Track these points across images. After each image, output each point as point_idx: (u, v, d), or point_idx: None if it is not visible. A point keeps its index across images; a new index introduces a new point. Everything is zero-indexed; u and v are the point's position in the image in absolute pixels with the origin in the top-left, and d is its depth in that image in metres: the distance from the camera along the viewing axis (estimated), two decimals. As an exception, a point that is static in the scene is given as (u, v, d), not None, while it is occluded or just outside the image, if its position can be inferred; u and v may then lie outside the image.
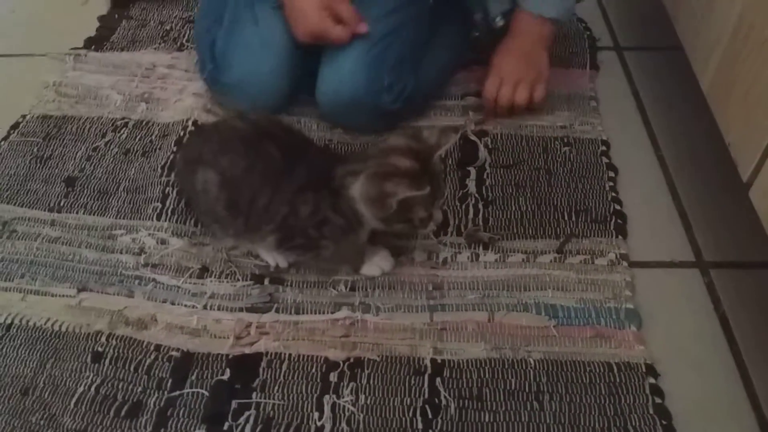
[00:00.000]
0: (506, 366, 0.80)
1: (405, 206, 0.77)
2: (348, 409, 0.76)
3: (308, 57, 1.03)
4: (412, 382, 0.79)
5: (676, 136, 1.10)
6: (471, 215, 0.97)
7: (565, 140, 1.09)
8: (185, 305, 0.86)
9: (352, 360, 0.81)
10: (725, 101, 0.86)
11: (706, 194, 1.01)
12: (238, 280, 0.89)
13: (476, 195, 1.00)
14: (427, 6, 1.06)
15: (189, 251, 0.92)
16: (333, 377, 0.79)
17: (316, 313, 0.85)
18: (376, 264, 0.89)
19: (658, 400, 0.78)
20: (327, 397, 0.77)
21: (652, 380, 0.80)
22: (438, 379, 0.79)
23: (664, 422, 0.76)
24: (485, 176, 1.03)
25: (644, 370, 0.81)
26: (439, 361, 0.81)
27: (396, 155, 0.79)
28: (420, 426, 0.75)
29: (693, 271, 0.92)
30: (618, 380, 0.79)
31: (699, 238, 0.96)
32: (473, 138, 1.08)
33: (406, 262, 0.91)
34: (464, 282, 0.89)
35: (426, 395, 0.78)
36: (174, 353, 0.81)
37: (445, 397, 0.77)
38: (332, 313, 0.86)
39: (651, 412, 0.77)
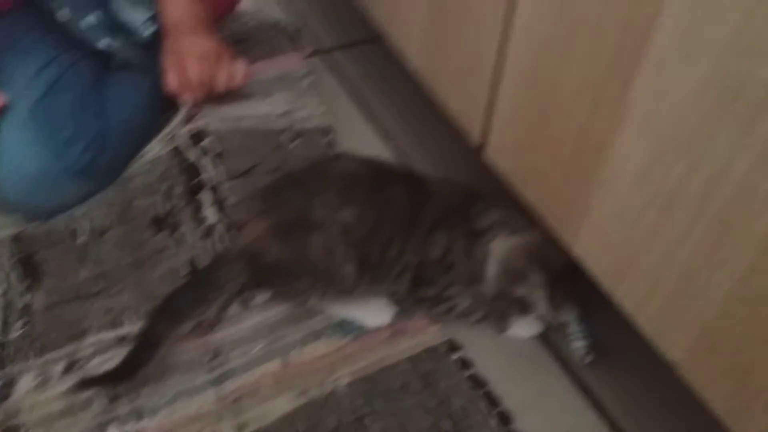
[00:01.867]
0: (318, 406, 0.75)
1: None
2: None
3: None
4: (227, 473, 0.69)
5: (398, 116, 1.13)
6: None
7: (291, 131, 1.04)
8: None
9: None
10: (438, 75, 0.88)
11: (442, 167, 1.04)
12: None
13: (221, 219, 0.91)
14: (87, 50, 0.95)
15: None
16: None
17: (78, 449, 0.70)
18: (526, 324, 0.80)
19: (469, 372, 0.78)
20: None
21: (456, 355, 0.80)
22: (255, 457, 0.70)
23: (482, 390, 0.77)
24: (223, 195, 0.94)
25: (446, 348, 0.80)
26: (247, 435, 0.72)
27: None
28: None
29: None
30: (428, 369, 0.79)
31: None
32: (191, 159, 0.98)
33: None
34: (245, 336, 0.81)
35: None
36: None
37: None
38: (99, 439, 0.71)
39: (468, 386, 0.77)
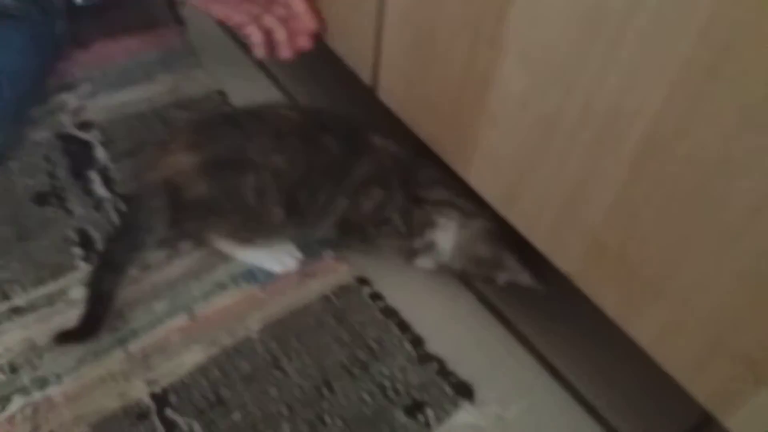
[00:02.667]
0: (230, 355, 0.76)
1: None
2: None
3: None
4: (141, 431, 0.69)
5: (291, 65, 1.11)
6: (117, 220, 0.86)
7: (179, 104, 1.01)
8: None
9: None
10: (324, 17, 0.87)
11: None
12: None
13: (112, 197, 0.89)
14: None
15: None
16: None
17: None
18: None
19: (381, 303, 0.81)
20: None
21: (366, 289, 0.82)
22: (168, 410, 0.70)
23: (395, 320, 0.80)
24: (110, 174, 0.91)
25: (357, 284, 0.83)
26: (159, 391, 0.72)
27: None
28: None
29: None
30: (340, 306, 0.81)
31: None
32: (83, 136, 0.95)
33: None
34: (146, 295, 0.80)
35: (165, 434, 0.69)
36: None
37: (185, 422, 0.70)
38: (2, 411, 0.69)
39: (380, 317, 0.80)
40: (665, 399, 0.73)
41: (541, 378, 0.77)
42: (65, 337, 0.73)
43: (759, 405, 0.53)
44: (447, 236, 0.78)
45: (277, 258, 0.82)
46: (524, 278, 0.76)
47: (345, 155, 0.76)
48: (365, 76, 0.82)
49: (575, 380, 0.77)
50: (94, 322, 0.73)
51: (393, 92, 0.78)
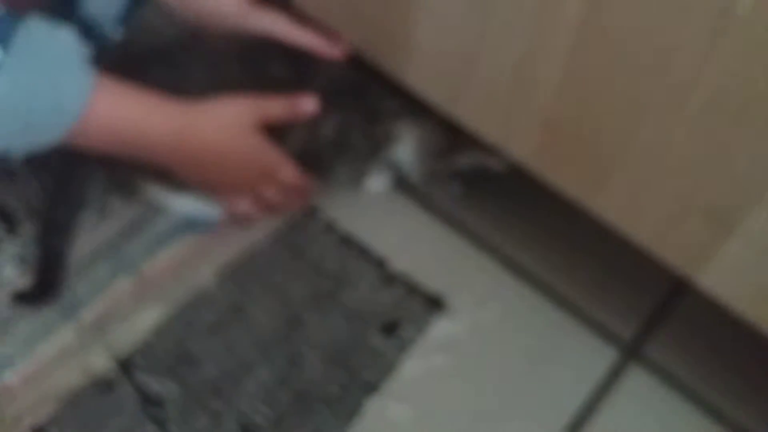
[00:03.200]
0: (190, 307, 0.73)
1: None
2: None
3: None
4: (113, 401, 0.66)
5: None
6: None
7: None
8: None
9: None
10: None
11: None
12: None
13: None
14: None
15: None
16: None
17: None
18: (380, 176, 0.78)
19: (336, 231, 0.80)
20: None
21: (319, 218, 0.81)
22: (137, 373, 0.68)
23: (353, 245, 0.79)
24: None
25: (305, 215, 0.81)
26: (123, 356, 0.69)
27: None
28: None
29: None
30: (293, 240, 0.78)
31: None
32: None
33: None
34: (83, 261, 0.75)
35: (138, 401, 0.67)
36: None
37: (157, 381, 0.67)
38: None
39: (336, 245, 0.78)
40: (633, 276, 0.74)
41: (509, 280, 0.77)
42: (22, 298, 0.69)
43: (728, 254, 0.54)
44: (406, 146, 0.76)
45: (210, 204, 0.77)
46: (488, 161, 0.75)
47: (293, 81, 0.71)
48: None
49: (543, 275, 0.77)
50: (50, 285, 0.70)
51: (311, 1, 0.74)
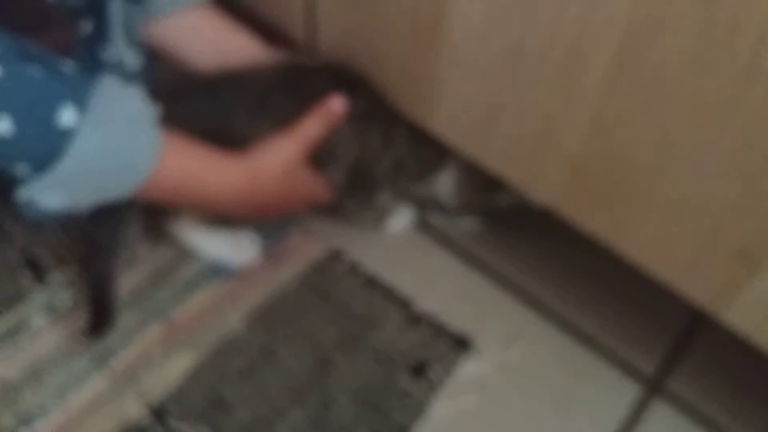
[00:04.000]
0: (221, 352, 0.75)
1: None
2: None
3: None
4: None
5: None
6: None
7: None
8: None
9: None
10: None
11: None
12: None
13: None
14: None
15: None
16: None
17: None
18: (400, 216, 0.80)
19: (360, 273, 0.82)
20: None
21: (343, 261, 0.83)
22: (170, 420, 0.69)
23: (378, 286, 0.81)
24: None
25: (330, 258, 0.83)
26: (156, 402, 0.70)
27: None
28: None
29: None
30: (320, 283, 0.81)
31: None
32: None
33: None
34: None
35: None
36: None
37: (192, 427, 0.69)
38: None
39: (361, 287, 0.81)
40: (654, 309, 0.76)
41: (533, 318, 0.79)
42: (89, 332, 0.71)
43: (754, 293, 0.56)
44: (448, 173, 0.77)
45: (239, 247, 0.80)
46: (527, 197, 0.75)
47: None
48: (298, 34, 0.80)
49: (566, 312, 0.80)
50: (105, 312, 0.72)
51: (334, 46, 0.77)
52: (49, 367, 0.72)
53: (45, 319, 0.74)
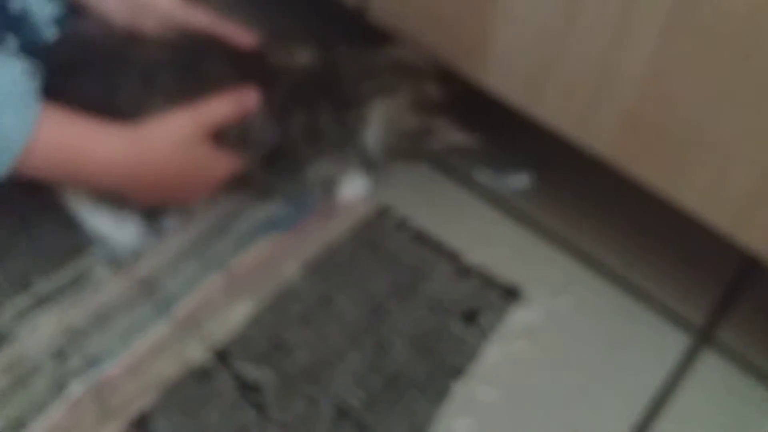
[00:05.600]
0: (279, 299, 0.79)
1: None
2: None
3: None
4: (212, 389, 0.72)
5: None
6: None
7: None
8: None
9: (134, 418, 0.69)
10: None
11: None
12: None
13: None
14: None
15: None
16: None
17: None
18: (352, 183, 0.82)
19: (409, 227, 0.86)
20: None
21: (392, 216, 0.87)
22: (234, 361, 0.73)
23: (427, 240, 0.85)
24: None
25: (381, 213, 0.87)
26: (219, 346, 0.74)
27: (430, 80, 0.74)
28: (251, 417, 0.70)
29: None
30: (371, 236, 0.84)
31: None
32: None
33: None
34: (170, 261, 0.81)
35: (236, 387, 0.72)
36: None
37: (255, 369, 0.73)
38: (64, 396, 0.70)
39: (413, 240, 0.85)
40: (703, 260, 0.79)
41: (581, 269, 0.83)
42: None
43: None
44: (373, 129, 0.77)
45: (122, 226, 0.79)
46: (457, 137, 0.80)
47: (234, 78, 0.70)
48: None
49: (614, 264, 0.83)
50: None
51: (387, 8, 0.80)
52: (113, 313, 0.77)
53: (106, 270, 0.79)
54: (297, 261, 0.81)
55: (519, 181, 0.88)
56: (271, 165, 0.77)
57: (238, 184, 0.77)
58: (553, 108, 0.71)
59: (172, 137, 0.65)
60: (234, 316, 0.76)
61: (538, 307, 0.79)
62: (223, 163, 0.71)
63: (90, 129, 0.63)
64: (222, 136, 0.70)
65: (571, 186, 0.87)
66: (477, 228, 0.86)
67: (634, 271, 0.82)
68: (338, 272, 0.80)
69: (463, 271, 0.81)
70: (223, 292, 0.78)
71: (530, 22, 0.66)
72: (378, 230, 0.84)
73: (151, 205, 0.77)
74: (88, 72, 0.69)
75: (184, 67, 0.69)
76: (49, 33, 0.73)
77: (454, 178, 0.91)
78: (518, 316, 0.78)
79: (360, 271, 0.80)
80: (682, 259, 0.82)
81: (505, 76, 0.73)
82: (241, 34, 0.71)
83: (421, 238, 0.84)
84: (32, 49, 0.72)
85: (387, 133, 0.80)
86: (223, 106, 0.68)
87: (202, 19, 0.73)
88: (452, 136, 0.81)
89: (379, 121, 0.80)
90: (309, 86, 0.75)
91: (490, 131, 0.86)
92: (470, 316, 0.77)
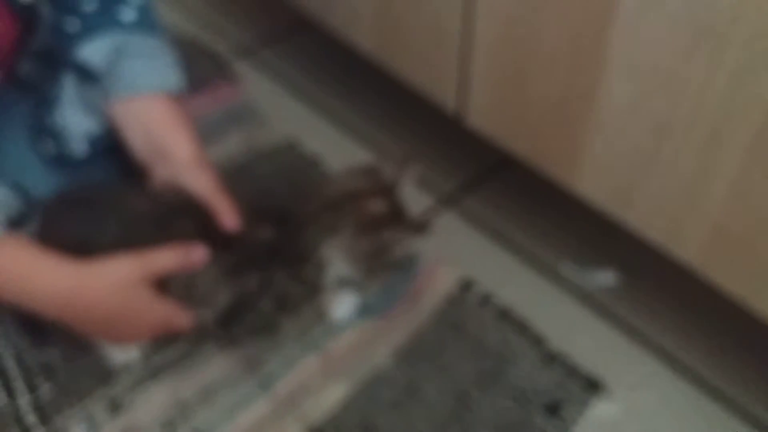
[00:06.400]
0: (370, 385, 0.84)
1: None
2: None
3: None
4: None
5: (358, 108, 1.18)
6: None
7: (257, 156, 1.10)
8: None
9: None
10: (397, 52, 0.97)
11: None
12: None
13: None
14: None
15: None
16: None
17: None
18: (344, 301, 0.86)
19: (493, 305, 0.91)
20: None
21: (475, 292, 0.92)
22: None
23: (512, 321, 0.89)
24: None
25: (462, 288, 0.92)
26: (315, 426, 0.80)
27: (368, 199, 0.78)
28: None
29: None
30: (455, 317, 0.89)
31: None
32: None
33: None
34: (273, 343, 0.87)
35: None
36: None
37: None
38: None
39: (497, 320, 0.89)
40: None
41: (662, 366, 0.85)
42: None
43: None
44: (335, 267, 0.82)
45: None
46: (414, 243, 0.84)
47: (196, 238, 0.74)
48: (449, 105, 0.91)
49: (697, 366, 0.85)
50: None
51: (484, 117, 0.87)
52: (219, 388, 0.84)
53: (214, 347, 0.86)
54: (388, 347, 0.87)
55: (605, 278, 0.92)
56: (233, 320, 0.82)
57: (198, 336, 0.82)
58: (642, 217, 0.75)
59: (114, 278, 0.69)
60: (329, 398, 0.82)
61: (618, 402, 0.82)
62: (161, 311, 0.73)
63: (39, 258, 0.67)
64: (167, 286, 0.73)
65: (656, 286, 0.91)
66: (560, 316, 0.90)
67: (715, 373, 0.84)
68: (425, 359, 0.85)
69: (548, 358, 0.85)
70: (318, 374, 0.84)
71: (622, 137, 0.71)
72: (461, 309, 0.90)
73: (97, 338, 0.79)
74: (80, 209, 0.74)
75: (156, 220, 0.74)
76: (80, 149, 0.81)
77: (538, 267, 0.95)
78: (599, 410, 0.82)
79: (446, 358, 0.85)
80: (765, 365, 0.84)
81: (595, 184, 0.78)
82: (228, 216, 0.75)
83: (506, 318, 0.89)
84: (61, 161, 0.80)
85: (349, 265, 0.83)
86: (170, 257, 0.71)
87: (205, 188, 0.76)
88: (408, 244, 0.85)
89: (336, 259, 0.82)
90: (264, 251, 0.78)
91: (580, 228, 0.91)
92: (553, 409, 0.81)
